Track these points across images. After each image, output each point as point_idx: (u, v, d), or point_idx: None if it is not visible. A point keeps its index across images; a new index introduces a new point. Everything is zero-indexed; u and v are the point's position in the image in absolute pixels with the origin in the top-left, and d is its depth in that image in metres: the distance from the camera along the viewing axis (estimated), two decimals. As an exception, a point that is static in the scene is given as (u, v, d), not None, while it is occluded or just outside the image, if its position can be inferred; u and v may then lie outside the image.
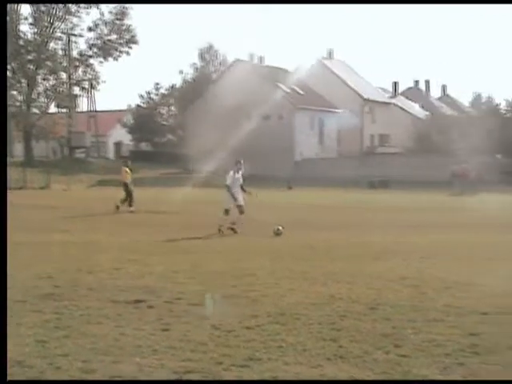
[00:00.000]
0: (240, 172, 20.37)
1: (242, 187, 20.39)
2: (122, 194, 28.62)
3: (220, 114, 65.88)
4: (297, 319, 8.67)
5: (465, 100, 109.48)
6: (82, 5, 71.10)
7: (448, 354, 7.15)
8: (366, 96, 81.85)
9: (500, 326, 8.33)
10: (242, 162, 20.52)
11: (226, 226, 19.82)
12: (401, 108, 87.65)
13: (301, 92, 73.13)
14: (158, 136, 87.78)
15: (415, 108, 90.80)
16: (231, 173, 20.24)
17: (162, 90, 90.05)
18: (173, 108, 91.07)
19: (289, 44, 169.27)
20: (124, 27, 74.02)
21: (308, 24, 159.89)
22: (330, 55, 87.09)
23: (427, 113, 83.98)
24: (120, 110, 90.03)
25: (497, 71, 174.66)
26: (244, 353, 7.18)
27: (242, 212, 20.16)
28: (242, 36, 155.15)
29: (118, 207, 27.88)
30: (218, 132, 63.25)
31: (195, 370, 6.60)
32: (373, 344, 7.53)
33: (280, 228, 19.17)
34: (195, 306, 9.41)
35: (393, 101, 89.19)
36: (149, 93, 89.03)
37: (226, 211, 20.09)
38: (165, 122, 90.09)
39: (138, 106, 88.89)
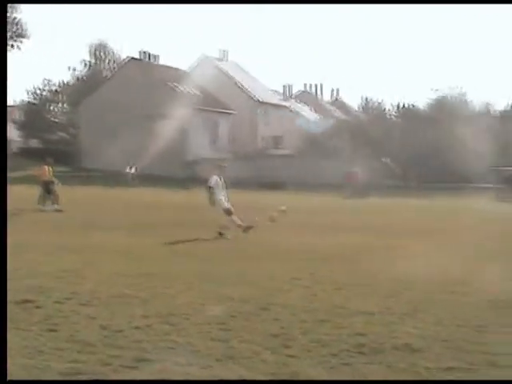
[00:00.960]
0: (222, 178, 19.83)
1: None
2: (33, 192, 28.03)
3: (112, 113, 65.15)
4: (186, 319, 8.66)
5: (355, 104, 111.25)
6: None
7: (334, 354, 7.25)
8: (259, 98, 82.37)
9: (386, 326, 8.52)
10: (225, 167, 20.11)
11: (221, 228, 19.17)
12: (293, 111, 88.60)
13: (195, 93, 73.01)
14: (49, 133, 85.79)
15: (307, 111, 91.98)
16: (215, 177, 19.65)
17: (53, 87, 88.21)
18: (65, 105, 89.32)
19: (183, 44, 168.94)
20: (16, 21, 72.26)
21: (203, 24, 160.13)
22: (224, 56, 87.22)
23: (318, 116, 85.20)
24: (8, 106, 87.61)
25: (386, 75, 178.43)
26: (133, 354, 7.11)
27: (230, 214, 19.54)
28: (135, 33, 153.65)
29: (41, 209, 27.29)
30: (110, 131, 62.54)
31: (83, 372, 6.51)
32: (262, 344, 7.58)
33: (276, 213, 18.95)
34: (84, 306, 9.28)
35: (285, 103, 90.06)
36: (38, 89, 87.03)
37: (228, 211, 19.39)
38: (56, 119, 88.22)
39: (29, 102, 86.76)
